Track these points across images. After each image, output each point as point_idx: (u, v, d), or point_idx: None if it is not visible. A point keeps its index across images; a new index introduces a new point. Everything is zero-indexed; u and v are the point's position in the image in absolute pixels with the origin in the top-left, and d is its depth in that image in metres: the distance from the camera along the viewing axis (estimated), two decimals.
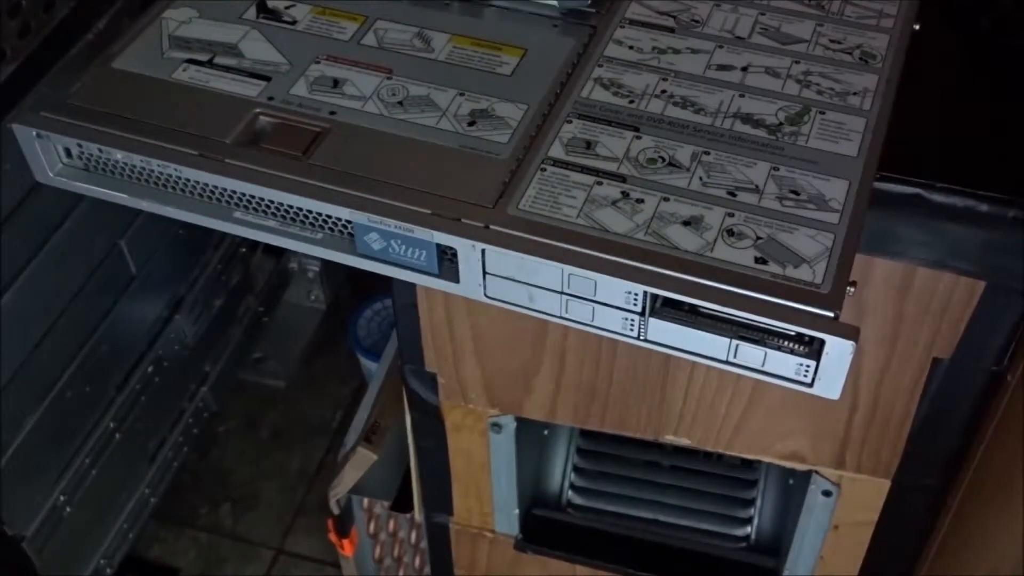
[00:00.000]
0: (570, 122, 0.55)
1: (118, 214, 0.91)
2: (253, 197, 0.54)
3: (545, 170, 0.53)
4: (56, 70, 0.68)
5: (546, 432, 0.95)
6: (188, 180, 0.55)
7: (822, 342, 0.46)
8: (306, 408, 1.52)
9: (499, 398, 0.82)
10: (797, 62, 0.59)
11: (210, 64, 0.59)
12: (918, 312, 0.66)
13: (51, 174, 0.57)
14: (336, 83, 0.58)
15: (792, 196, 0.51)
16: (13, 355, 0.83)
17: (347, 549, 1.07)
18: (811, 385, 0.48)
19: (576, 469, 0.98)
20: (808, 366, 0.47)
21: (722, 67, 0.58)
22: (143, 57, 0.59)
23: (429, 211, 0.51)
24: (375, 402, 0.99)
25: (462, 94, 0.57)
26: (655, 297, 0.48)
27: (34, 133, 0.56)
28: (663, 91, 0.57)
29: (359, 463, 0.95)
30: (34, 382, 0.88)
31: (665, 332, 0.49)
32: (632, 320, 0.49)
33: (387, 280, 0.57)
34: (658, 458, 0.98)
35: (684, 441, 0.81)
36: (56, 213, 0.80)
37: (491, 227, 0.50)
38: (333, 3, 0.63)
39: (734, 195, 0.51)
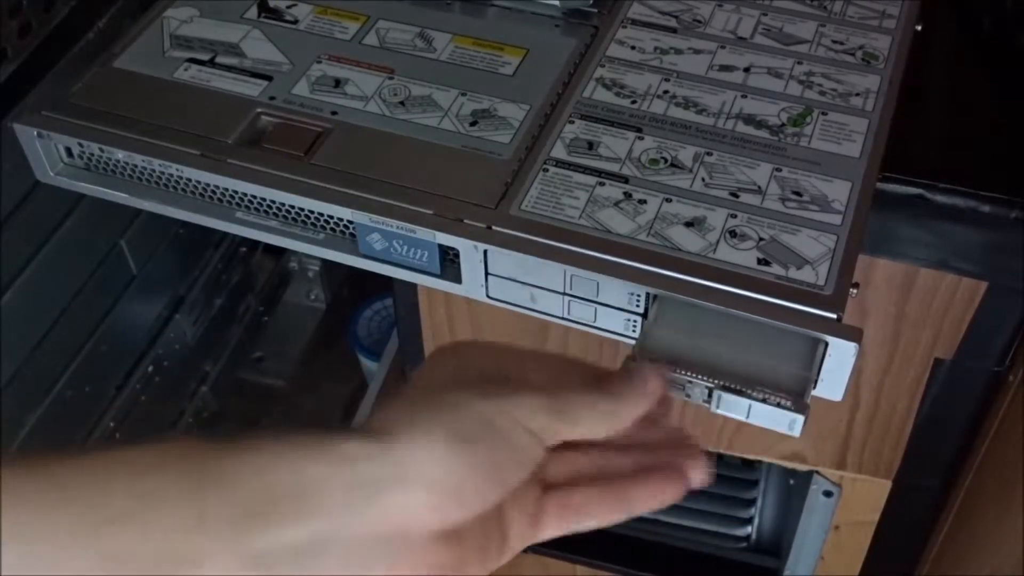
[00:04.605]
0: (572, 122, 0.55)
1: (119, 213, 0.90)
2: (255, 197, 0.54)
3: (547, 170, 0.53)
4: (57, 69, 0.68)
5: None
6: (190, 180, 0.54)
7: (825, 344, 0.46)
8: (306, 408, 1.52)
9: None
10: (799, 63, 0.59)
11: (211, 63, 0.59)
12: (920, 313, 0.66)
13: (52, 173, 0.57)
14: (338, 83, 0.57)
15: (795, 197, 0.51)
16: (13, 355, 0.83)
17: None
18: (814, 387, 0.47)
19: None
20: None
21: (724, 68, 0.58)
22: (144, 56, 0.59)
23: (431, 211, 0.51)
24: (375, 402, 0.99)
25: (464, 94, 0.57)
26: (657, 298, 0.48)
27: (35, 132, 0.55)
28: (665, 91, 0.57)
29: None
30: (34, 382, 0.87)
31: None
32: (634, 321, 0.49)
33: (387, 279, 0.57)
34: None
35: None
36: (56, 213, 0.80)
37: (493, 228, 0.50)
38: (335, 3, 0.63)
39: (736, 196, 0.51)
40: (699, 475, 0.39)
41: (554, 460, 0.37)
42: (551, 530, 0.38)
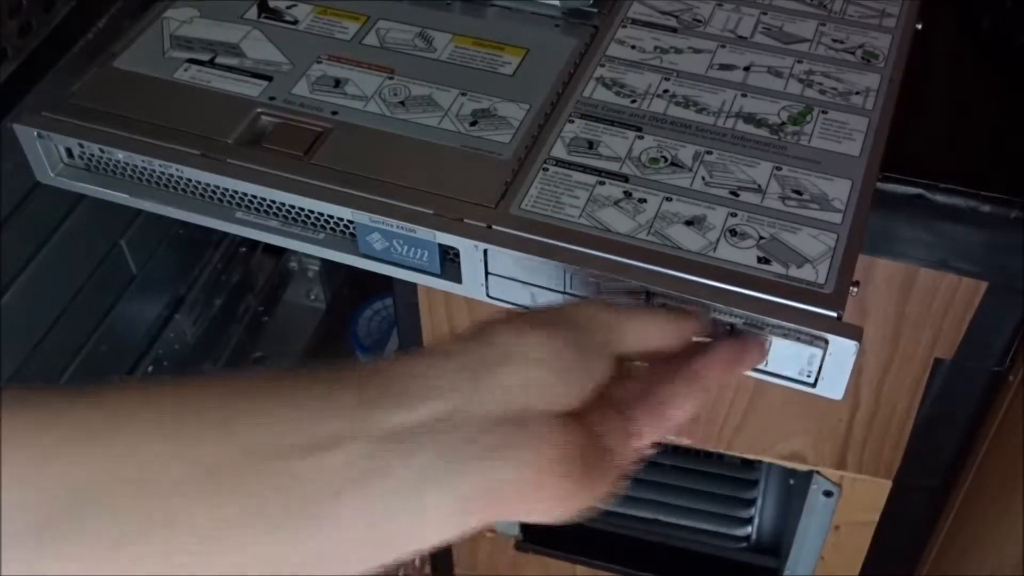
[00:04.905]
0: (572, 122, 0.55)
1: (118, 214, 0.90)
2: (255, 197, 0.54)
3: (547, 170, 0.53)
4: (57, 70, 0.67)
5: None
6: (190, 180, 0.54)
7: (825, 342, 0.46)
8: None
9: None
10: (799, 61, 0.59)
11: (211, 64, 0.59)
12: (920, 312, 0.66)
13: (52, 174, 0.57)
14: (338, 83, 0.58)
15: (795, 196, 0.51)
16: (13, 355, 0.83)
17: None
18: (814, 385, 0.47)
19: None
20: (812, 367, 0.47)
21: (724, 67, 0.58)
22: (144, 57, 0.59)
23: (431, 211, 0.51)
24: None
25: (464, 94, 0.57)
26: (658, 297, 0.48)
27: (35, 133, 0.55)
28: (665, 91, 0.57)
29: None
30: (34, 382, 0.87)
31: None
32: None
33: (387, 279, 0.57)
34: (659, 458, 0.98)
35: (685, 441, 0.81)
36: (56, 213, 0.80)
37: (493, 227, 0.50)
38: (335, 3, 0.63)
39: (737, 195, 0.51)
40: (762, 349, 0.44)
41: (618, 385, 0.38)
42: (646, 434, 0.38)
